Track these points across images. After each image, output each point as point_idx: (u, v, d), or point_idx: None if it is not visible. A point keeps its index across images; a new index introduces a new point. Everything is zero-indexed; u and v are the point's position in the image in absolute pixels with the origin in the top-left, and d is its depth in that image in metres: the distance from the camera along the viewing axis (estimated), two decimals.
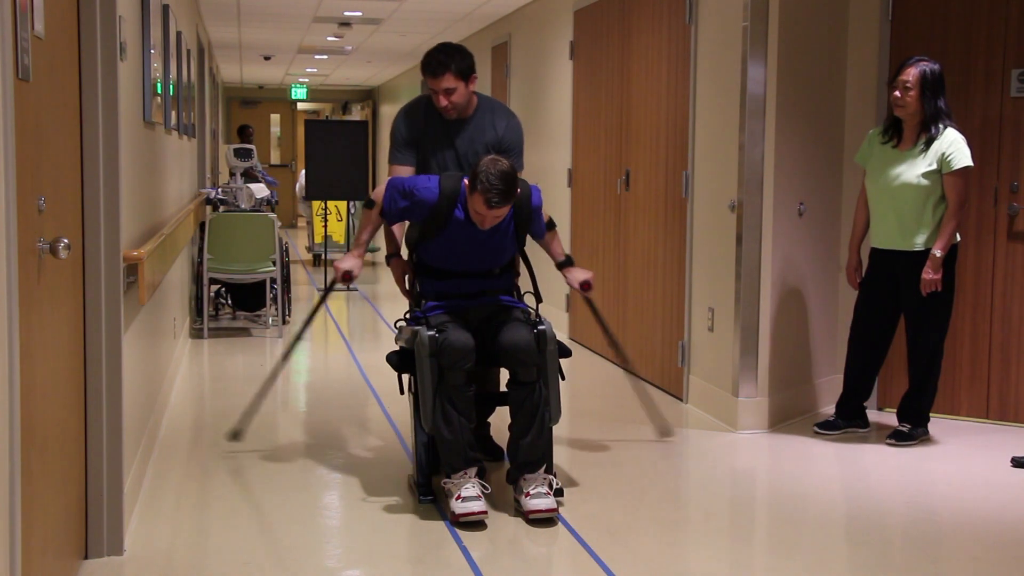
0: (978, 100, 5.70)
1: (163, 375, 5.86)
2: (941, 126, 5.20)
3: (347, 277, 4.59)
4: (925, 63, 5.23)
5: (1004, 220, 5.68)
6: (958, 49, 5.74)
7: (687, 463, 5.27)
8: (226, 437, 5.20)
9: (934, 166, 5.18)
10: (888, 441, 5.39)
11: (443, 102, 4.61)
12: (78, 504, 3.63)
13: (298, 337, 5.18)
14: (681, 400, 6.29)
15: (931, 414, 5.51)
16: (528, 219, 4.45)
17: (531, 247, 4.79)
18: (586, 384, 6.83)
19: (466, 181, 4.28)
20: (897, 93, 5.23)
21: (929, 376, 5.39)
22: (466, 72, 4.62)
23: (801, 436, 5.55)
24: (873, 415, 5.81)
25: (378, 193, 4.52)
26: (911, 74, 5.20)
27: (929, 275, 5.17)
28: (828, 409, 5.86)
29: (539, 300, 4.75)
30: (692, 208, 6.20)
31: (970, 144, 5.21)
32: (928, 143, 5.20)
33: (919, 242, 5.25)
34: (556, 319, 6.06)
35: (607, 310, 7.54)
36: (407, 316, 4.65)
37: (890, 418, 5.72)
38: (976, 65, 5.70)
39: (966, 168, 5.18)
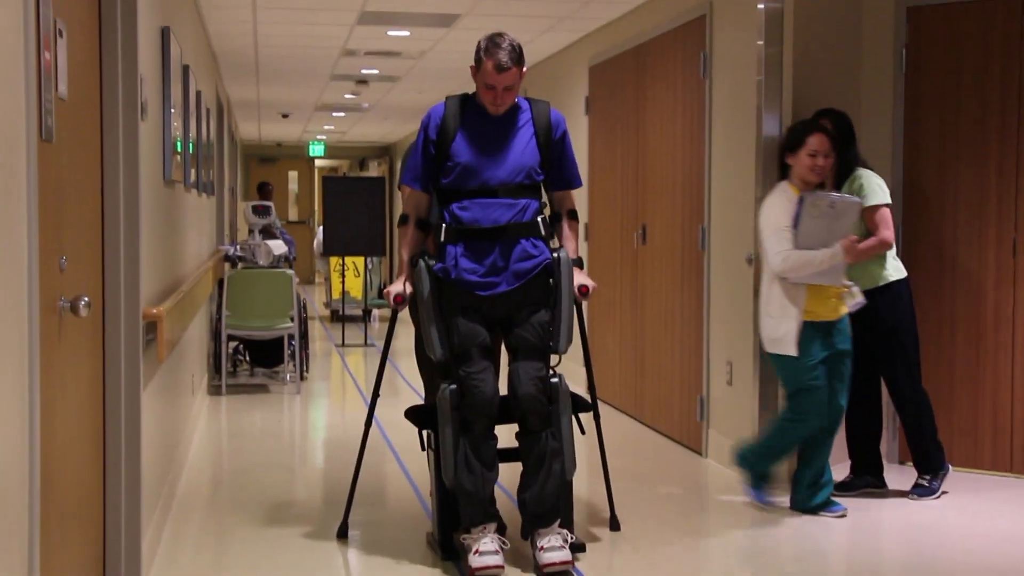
0: (994, 149, 5.69)
1: (181, 432, 5.86)
2: (856, 169, 5.19)
3: (399, 299, 4.56)
4: (825, 120, 5.16)
5: (1023, 271, 5.65)
6: (972, 99, 5.75)
7: (707, 519, 5.23)
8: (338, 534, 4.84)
9: None
10: (911, 496, 5.33)
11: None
12: (96, 562, 3.62)
13: (375, 394, 4.99)
14: (700, 455, 6.25)
15: (953, 468, 5.44)
16: (547, 132, 4.43)
17: None
18: (606, 440, 6.77)
19: (471, 66, 4.37)
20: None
21: (919, 417, 5.31)
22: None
23: None
24: (896, 469, 5.76)
25: (406, 203, 4.58)
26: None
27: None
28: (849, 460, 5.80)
29: (559, 351, 4.57)
30: (709, 261, 6.20)
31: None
32: (840, 188, 5.16)
33: (861, 283, 5.18)
34: (577, 375, 6.03)
35: (625, 363, 7.53)
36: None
37: (912, 472, 5.66)
38: (991, 114, 5.70)
39: (886, 205, 5.14)
